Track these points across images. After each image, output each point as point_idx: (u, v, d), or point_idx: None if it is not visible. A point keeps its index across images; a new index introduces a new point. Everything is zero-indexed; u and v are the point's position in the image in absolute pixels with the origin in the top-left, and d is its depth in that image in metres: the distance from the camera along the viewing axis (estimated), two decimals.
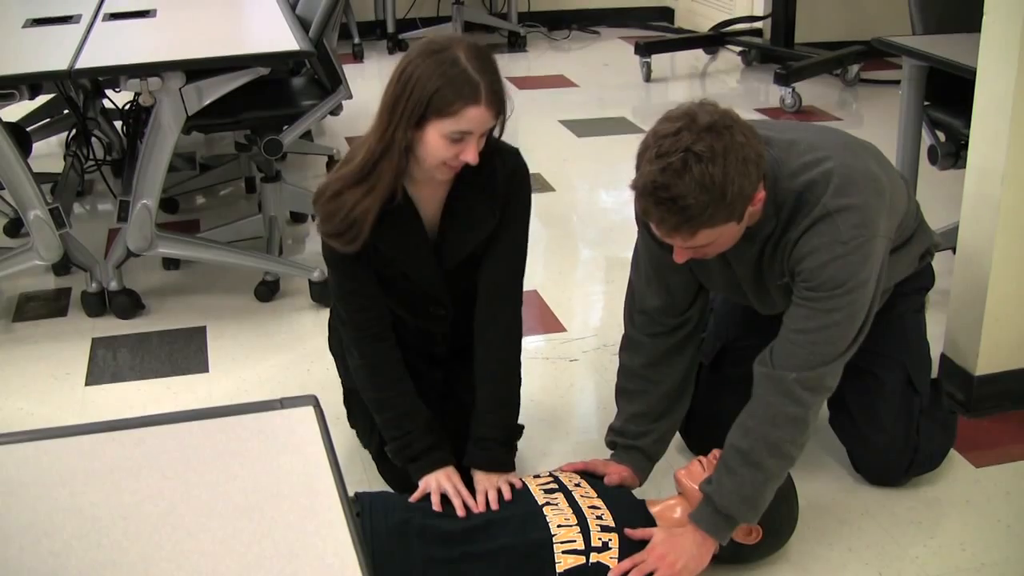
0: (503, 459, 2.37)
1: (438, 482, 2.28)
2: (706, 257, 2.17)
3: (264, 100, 3.68)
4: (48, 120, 4.68)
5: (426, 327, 2.48)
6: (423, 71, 2.09)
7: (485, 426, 2.38)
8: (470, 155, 2.14)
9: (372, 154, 2.16)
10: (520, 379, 2.45)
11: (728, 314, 2.66)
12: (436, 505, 2.23)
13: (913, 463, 2.49)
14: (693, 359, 2.46)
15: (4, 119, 3.20)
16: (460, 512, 2.21)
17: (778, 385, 2.14)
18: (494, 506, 2.24)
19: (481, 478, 2.32)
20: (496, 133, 2.24)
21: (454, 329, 2.49)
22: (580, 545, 2.09)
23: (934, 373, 2.65)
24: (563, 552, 2.08)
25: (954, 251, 2.84)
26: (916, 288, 2.53)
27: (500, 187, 2.29)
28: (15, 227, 3.91)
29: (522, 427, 2.46)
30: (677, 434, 2.67)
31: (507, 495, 2.26)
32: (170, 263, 3.74)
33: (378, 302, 2.35)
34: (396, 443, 2.36)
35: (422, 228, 2.30)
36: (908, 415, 2.46)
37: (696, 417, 2.60)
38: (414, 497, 2.26)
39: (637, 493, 2.32)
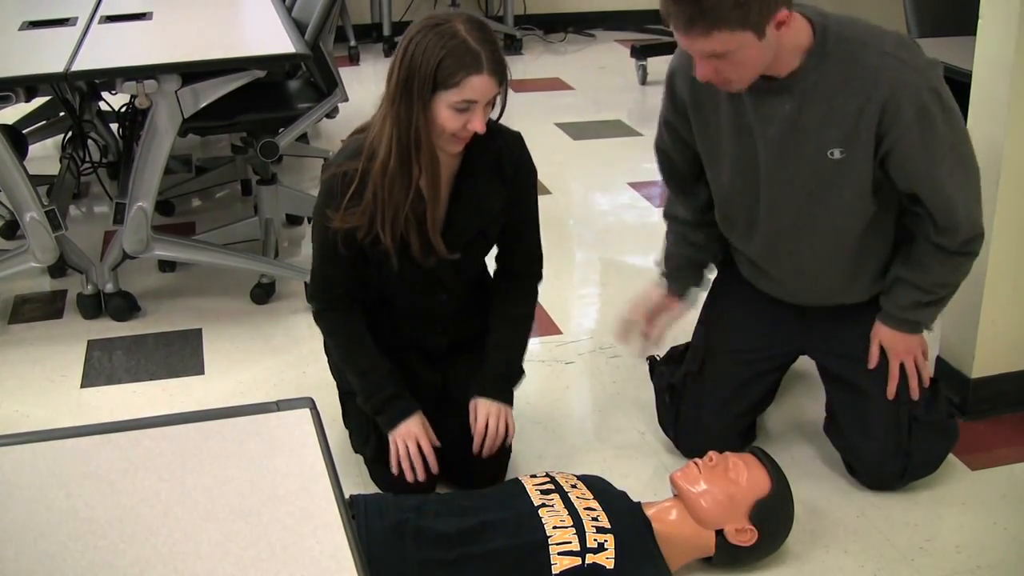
0: (508, 395, 2.50)
1: (404, 442, 2.40)
2: (729, 86, 2.16)
3: (260, 103, 3.68)
4: (44, 122, 4.69)
5: (427, 309, 2.51)
6: (425, 46, 2.14)
7: (492, 362, 2.50)
8: (478, 123, 2.19)
9: (402, 145, 2.20)
10: (529, 332, 2.59)
11: (712, 322, 2.67)
12: (394, 468, 2.39)
13: (907, 469, 2.49)
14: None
15: (0, 121, 3.20)
16: (409, 477, 2.38)
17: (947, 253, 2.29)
18: (492, 433, 2.43)
19: (483, 404, 2.46)
20: (500, 104, 2.27)
21: (454, 320, 2.53)
22: (576, 546, 2.09)
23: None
24: (559, 553, 2.08)
25: None
26: None
27: (507, 170, 2.36)
28: (11, 229, 3.91)
29: (523, 373, 2.57)
30: (665, 440, 2.69)
31: (510, 430, 2.47)
32: (166, 265, 3.74)
33: (351, 288, 2.44)
34: (362, 396, 2.45)
35: (425, 211, 2.31)
36: (897, 425, 2.45)
37: (683, 424, 2.65)
38: (393, 464, 2.41)
39: (634, 496, 2.31)
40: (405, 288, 2.45)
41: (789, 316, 2.53)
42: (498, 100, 2.25)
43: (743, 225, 2.44)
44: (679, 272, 2.64)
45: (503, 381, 2.51)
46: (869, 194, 2.25)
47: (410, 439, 2.40)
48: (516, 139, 2.42)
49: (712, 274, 2.69)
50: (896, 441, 2.45)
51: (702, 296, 2.71)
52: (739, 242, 2.51)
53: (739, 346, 2.58)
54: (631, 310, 2.69)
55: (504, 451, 2.54)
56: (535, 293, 2.59)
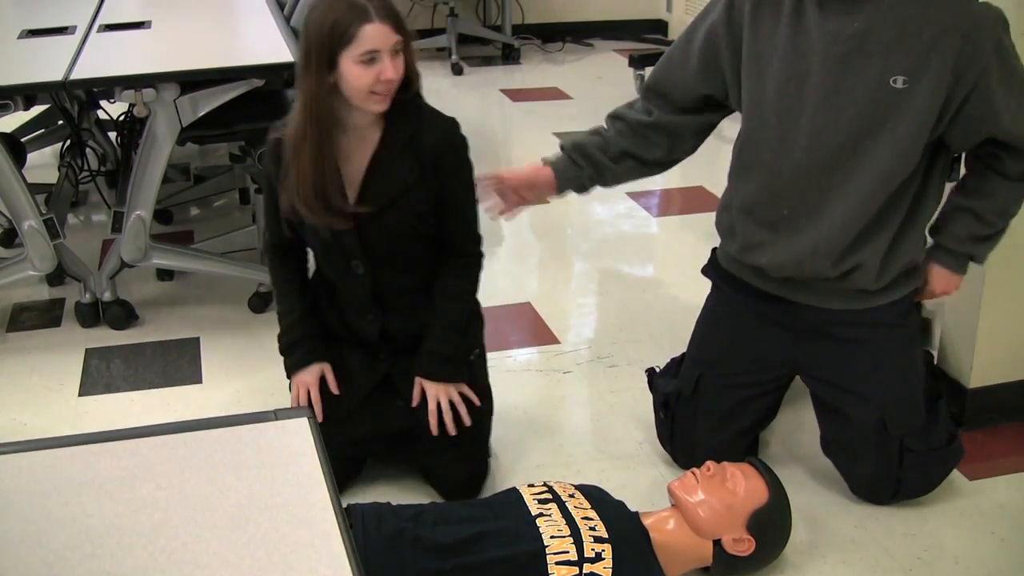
0: (451, 372, 2.53)
1: (297, 388, 2.55)
2: None
3: (259, 111, 3.67)
4: (43, 131, 4.69)
5: (349, 285, 2.55)
6: (317, 16, 2.29)
7: (435, 341, 2.53)
8: (389, 71, 2.28)
9: (309, 113, 2.32)
10: (466, 308, 2.60)
11: (706, 341, 2.65)
12: (293, 401, 2.55)
13: (898, 492, 2.49)
14: (652, 166, 2.62)
15: None
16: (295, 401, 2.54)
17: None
18: (448, 421, 2.47)
19: (428, 387, 2.51)
20: (407, 57, 2.35)
21: (383, 307, 2.56)
22: (573, 556, 2.08)
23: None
24: (556, 563, 2.08)
25: None
26: (898, 318, 2.45)
27: (428, 149, 2.42)
28: (9, 238, 3.91)
29: (471, 349, 2.62)
30: (662, 449, 2.69)
31: (460, 406, 2.50)
32: (164, 274, 3.74)
33: (285, 237, 2.54)
34: (280, 333, 2.62)
35: (342, 185, 2.41)
36: (884, 454, 2.43)
37: (677, 441, 2.66)
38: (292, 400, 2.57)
39: (632, 505, 2.31)
40: (320, 253, 2.56)
41: (781, 339, 2.50)
42: (401, 55, 2.32)
43: (771, 154, 2.34)
44: (574, 151, 2.61)
45: (440, 359, 2.53)
46: (924, 135, 2.18)
47: (302, 386, 2.54)
48: (442, 120, 2.48)
49: (592, 188, 2.67)
50: (885, 469, 2.45)
51: (693, 300, 2.71)
52: (758, 176, 2.39)
53: (732, 369, 2.56)
54: (508, 171, 2.67)
55: (476, 462, 2.59)
56: (473, 270, 2.60)
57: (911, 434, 2.42)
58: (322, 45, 2.26)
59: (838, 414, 2.49)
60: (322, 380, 2.55)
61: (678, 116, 2.52)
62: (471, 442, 2.55)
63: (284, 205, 2.42)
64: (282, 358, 2.60)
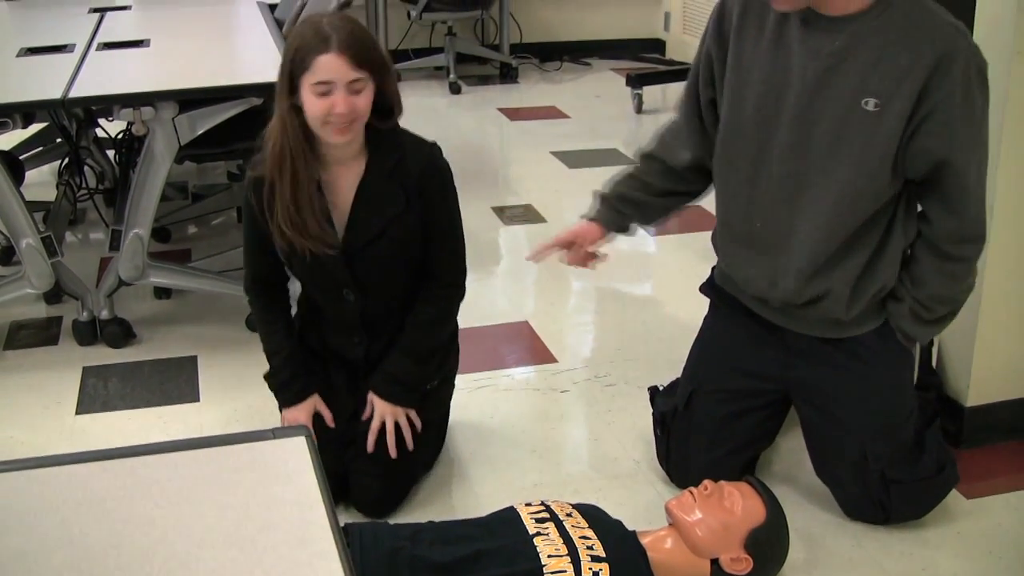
0: (403, 396, 2.56)
1: (298, 421, 2.53)
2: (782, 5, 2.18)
3: (257, 130, 3.68)
4: (41, 149, 4.68)
5: (338, 310, 2.56)
6: (290, 37, 2.34)
7: (395, 364, 2.56)
8: (340, 105, 2.28)
9: (276, 135, 2.35)
10: (436, 337, 2.62)
11: (699, 357, 2.66)
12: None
13: (888, 518, 2.48)
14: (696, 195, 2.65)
15: None
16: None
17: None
18: (390, 444, 2.51)
19: (378, 404, 2.55)
20: (371, 91, 2.33)
21: (369, 331, 2.58)
22: (571, 575, 2.08)
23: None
24: None
25: None
26: (883, 347, 2.43)
27: (412, 176, 2.44)
28: (7, 255, 3.91)
29: (428, 379, 2.63)
30: (660, 469, 2.68)
31: (405, 430, 2.53)
32: (162, 292, 3.74)
33: (267, 274, 2.59)
34: (268, 372, 2.63)
35: (327, 208, 2.43)
36: (863, 481, 2.44)
37: (671, 457, 2.66)
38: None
39: (629, 524, 2.31)
40: (310, 284, 2.57)
41: (774, 359, 2.51)
42: (368, 87, 2.32)
43: (748, 165, 2.36)
44: (617, 200, 2.65)
45: (394, 381, 2.55)
46: (890, 157, 2.20)
47: (293, 423, 2.52)
48: (424, 146, 2.49)
49: (637, 229, 2.72)
50: (869, 494, 2.45)
51: (688, 300, 2.71)
52: (735, 188, 2.41)
53: (725, 384, 2.57)
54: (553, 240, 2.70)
55: (394, 485, 2.60)
56: (450, 299, 2.62)
57: (894, 466, 2.41)
58: (287, 67, 2.31)
59: (824, 439, 2.50)
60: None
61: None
62: (395, 464, 2.55)
63: (276, 237, 2.42)
64: (274, 393, 2.64)
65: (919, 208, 2.34)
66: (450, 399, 2.75)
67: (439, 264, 2.55)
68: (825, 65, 2.20)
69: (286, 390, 2.59)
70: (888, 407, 2.43)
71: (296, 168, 2.35)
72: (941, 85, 2.11)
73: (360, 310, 2.53)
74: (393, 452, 2.51)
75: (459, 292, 2.61)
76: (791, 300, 2.39)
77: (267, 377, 2.63)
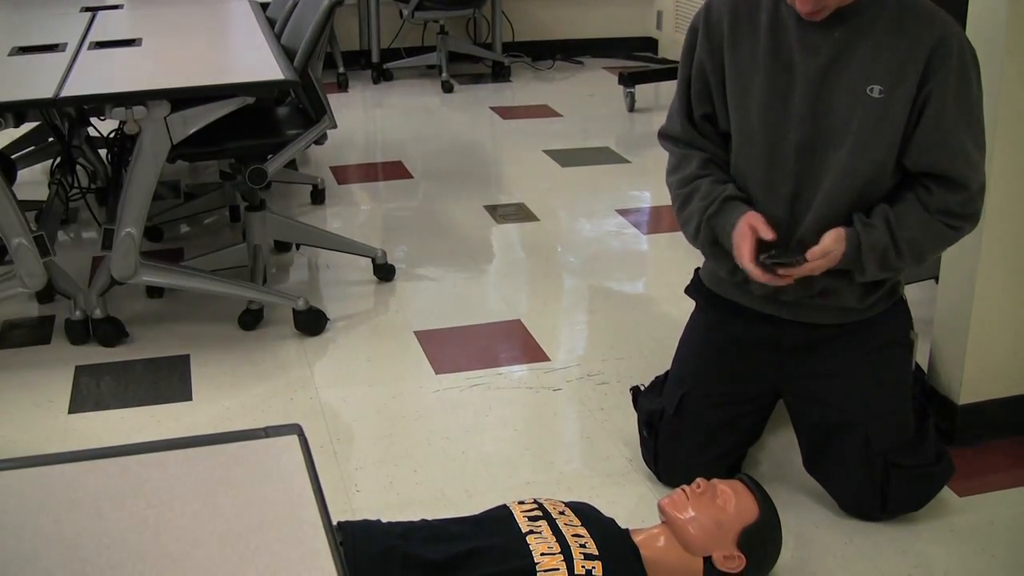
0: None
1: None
2: (827, 9, 2.17)
3: (249, 129, 3.69)
4: (33, 148, 4.69)
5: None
6: None
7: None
8: None
9: None
10: None
11: (689, 360, 2.66)
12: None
13: (885, 510, 2.49)
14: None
15: None
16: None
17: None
18: None
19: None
20: None
21: None
22: (564, 573, 2.08)
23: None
24: None
25: (937, 280, 2.85)
26: (887, 335, 2.47)
27: None
28: None
29: None
30: (649, 470, 2.68)
31: None
32: (154, 291, 3.73)
33: None
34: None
35: None
36: (870, 471, 2.44)
37: (661, 460, 2.66)
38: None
39: (622, 522, 2.31)
40: None
41: (765, 359, 2.52)
42: None
43: (762, 171, 2.34)
44: (714, 194, 2.42)
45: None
46: (896, 145, 2.24)
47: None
48: None
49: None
50: (871, 485, 2.45)
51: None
52: (752, 194, 2.38)
53: (715, 388, 2.57)
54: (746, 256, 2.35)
55: None
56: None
57: (896, 450, 2.43)
58: None
59: (822, 431, 2.50)
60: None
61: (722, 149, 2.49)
62: None
63: None
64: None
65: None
66: None
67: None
68: (827, 59, 2.23)
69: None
70: (890, 392, 2.46)
71: None
72: (939, 71, 2.17)
73: None
74: None
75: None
76: (804, 292, 2.39)
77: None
